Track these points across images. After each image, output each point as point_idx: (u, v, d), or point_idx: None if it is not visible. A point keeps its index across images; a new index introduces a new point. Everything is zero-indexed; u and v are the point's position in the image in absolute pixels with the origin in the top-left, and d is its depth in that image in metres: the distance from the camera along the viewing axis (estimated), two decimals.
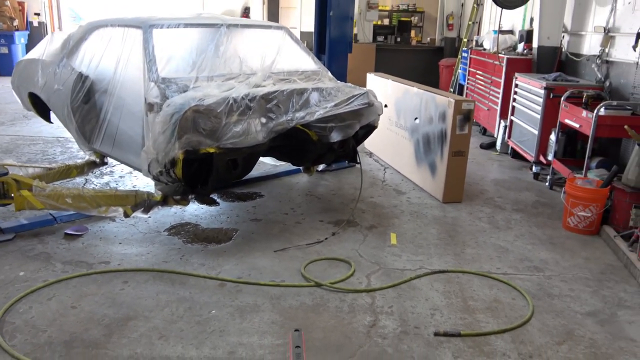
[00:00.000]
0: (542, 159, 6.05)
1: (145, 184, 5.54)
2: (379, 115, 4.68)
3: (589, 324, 3.23)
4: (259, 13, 13.73)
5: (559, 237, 4.56)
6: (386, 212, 4.99)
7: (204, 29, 4.46)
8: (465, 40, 10.50)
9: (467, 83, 9.27)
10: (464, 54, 9.85)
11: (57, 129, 7.67)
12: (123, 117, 4.43)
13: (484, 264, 3.99)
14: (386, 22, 15.40)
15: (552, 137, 5.84)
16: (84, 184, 5.37)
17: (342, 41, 6.02)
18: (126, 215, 4.21)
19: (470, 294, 3.54)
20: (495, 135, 7.61)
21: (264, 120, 4.01)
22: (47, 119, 5.95)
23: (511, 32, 8.81)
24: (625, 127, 4.35)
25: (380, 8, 13.73)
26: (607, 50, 5.83)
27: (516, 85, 6.80)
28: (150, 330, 3.00)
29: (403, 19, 15.28)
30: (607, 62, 5.84)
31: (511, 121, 6.96)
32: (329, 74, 5.03)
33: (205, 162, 3.87)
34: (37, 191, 4.09)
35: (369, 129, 4.85)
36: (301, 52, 5.06)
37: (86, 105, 4.77)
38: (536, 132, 6.07)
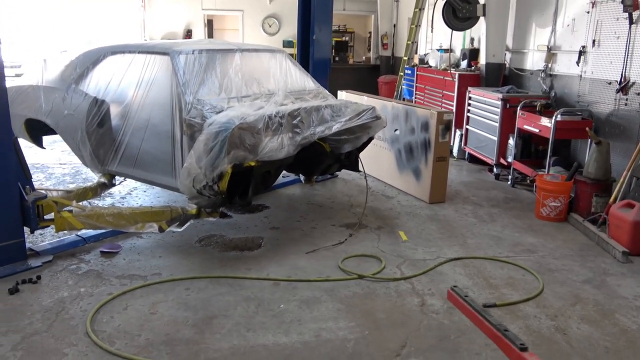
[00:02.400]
0: (502, 161, 6.90)
1: (148, 202, 5.73)
2: (384, 127, 5.25)
3: (588, 289, 3.95)
4: (201, 35, 13.93)
5: (536, 225, 5.34)
6: (385, 214, 5.55)
7: (222, 54, 4.81)
8: (405, 58, 11.39)
9: (415, 97, 10.11)
10: (408, 71, 10.74)
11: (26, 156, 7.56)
12: (147, 138, 4.65)
13: (487, 250, 4.64)
14: None
15: (511, 141, 6.71)
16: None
17: (324, 62, 6.57)
18: (161, 230, 4.43)
19: (488, 274, 4.16)
20: (452, 144, 8.43)
21: (291, 134, 4.44)
22: (40, 144, 5.95)
23: (452, 50, 9.77)
24: (587, 129, 5.22)
25: None
26: (550, 65, 6.82)
27: (470, 98, 7.66)
28: (235, 325, 3.33)
29: (336, 39, 16.11)
30: (551, 75, 6.82)
31: (467, 130, 7.80)
32: (327, 91, 5.53)
33: (244, 175, 4.23)
34: (76, 212, 4.24)
35: (369, 140, 5.40)
36: (301, 72, 5.53)
37: (101, 129, 4.92)
38: (495, 138, 6.92)
